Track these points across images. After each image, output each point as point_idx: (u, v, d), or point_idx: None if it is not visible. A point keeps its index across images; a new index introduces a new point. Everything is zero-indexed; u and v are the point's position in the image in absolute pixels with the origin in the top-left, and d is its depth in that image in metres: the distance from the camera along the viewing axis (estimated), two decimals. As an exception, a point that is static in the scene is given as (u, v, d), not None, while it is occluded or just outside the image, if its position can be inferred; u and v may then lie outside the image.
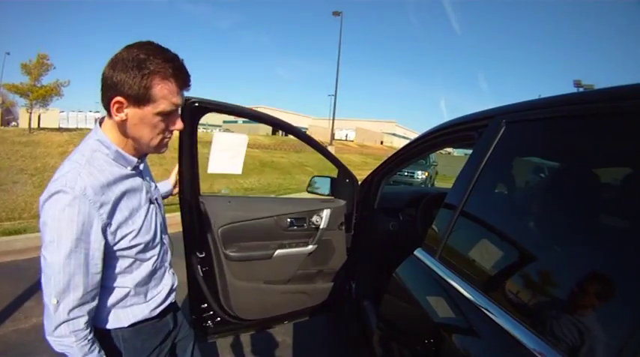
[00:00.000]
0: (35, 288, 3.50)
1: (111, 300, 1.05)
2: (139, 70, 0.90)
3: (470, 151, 1.33)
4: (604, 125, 0.85)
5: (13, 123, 34.27)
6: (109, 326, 1.07)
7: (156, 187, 1.24)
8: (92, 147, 0.99)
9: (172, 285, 1.24)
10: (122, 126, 0.97)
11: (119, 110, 0.94)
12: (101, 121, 1.03)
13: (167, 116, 0.99)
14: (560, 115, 0.98)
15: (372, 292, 2.36)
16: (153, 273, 1.13)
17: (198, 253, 1.92)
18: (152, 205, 1.13)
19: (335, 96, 30.20)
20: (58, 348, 0.96)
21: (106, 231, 0.95)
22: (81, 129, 20.33)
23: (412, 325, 1.20)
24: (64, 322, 0.93)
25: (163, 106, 0.95)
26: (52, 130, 16.70)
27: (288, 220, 2.15)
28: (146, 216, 1.07)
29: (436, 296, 1.12)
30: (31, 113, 15.56)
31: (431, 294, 1.15)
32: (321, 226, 2.21)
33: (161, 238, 1.16)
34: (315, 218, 2.22)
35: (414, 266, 1.30)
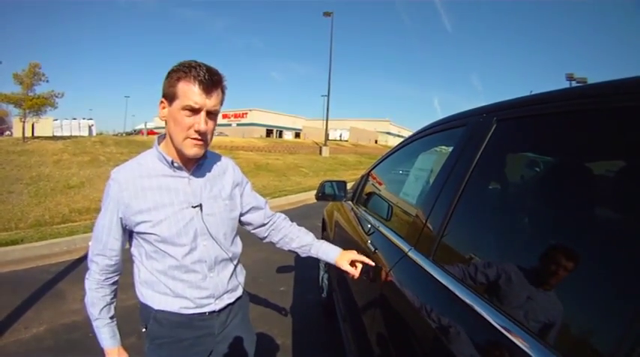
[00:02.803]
0: (35, 298, 3.49)
1: (142, 276, 1.27)
2: (171, 75, 1.14)
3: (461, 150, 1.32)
4: (600, 121, 0.82)
5: (7, 132, 34.04)
6: (142, 300, 1.29)
7: (218, 199, 1.30)
8: (147, 152, 1.27)
9: (218, 294, 1.31)
10: (167, 126, 1.19)
11: (162, 108, 1.19)
12: (159, 138, 1.28)
13: (191, 114, 1.14)
14: (552, 112, 0.97)
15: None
16: (178, 270, 1.23)
17: None
18: (191, 209, 1.23)
19: (328, 96, 30.19)
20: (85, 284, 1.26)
21: (127, 210, 1.18)
22: (75, 137, 20.22)
23: (406, 327, 1.19)
24: (89, 261, 1.25)
25: (185, 102, 1.13)
26: (46, 138, 16.64)
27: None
28: (175, 214, 1.20)
29: (430, 297, 1.11)
30: (24, 122, 15.51)
31: (425, 295, 1.15)
32: None
33: (195, 242, 1.24)
34: None
35: (408, 267, 1.31)
